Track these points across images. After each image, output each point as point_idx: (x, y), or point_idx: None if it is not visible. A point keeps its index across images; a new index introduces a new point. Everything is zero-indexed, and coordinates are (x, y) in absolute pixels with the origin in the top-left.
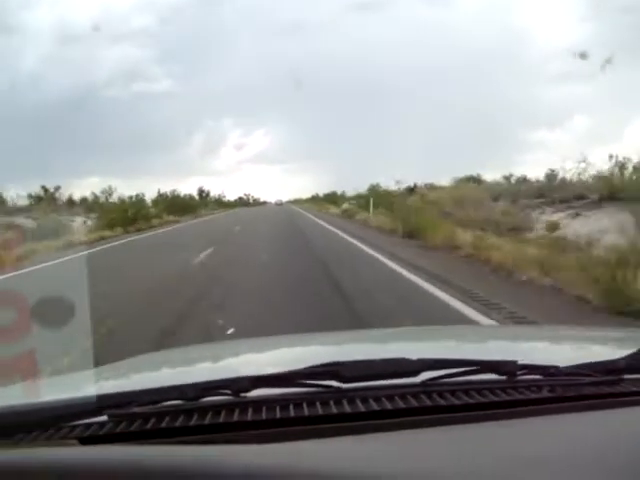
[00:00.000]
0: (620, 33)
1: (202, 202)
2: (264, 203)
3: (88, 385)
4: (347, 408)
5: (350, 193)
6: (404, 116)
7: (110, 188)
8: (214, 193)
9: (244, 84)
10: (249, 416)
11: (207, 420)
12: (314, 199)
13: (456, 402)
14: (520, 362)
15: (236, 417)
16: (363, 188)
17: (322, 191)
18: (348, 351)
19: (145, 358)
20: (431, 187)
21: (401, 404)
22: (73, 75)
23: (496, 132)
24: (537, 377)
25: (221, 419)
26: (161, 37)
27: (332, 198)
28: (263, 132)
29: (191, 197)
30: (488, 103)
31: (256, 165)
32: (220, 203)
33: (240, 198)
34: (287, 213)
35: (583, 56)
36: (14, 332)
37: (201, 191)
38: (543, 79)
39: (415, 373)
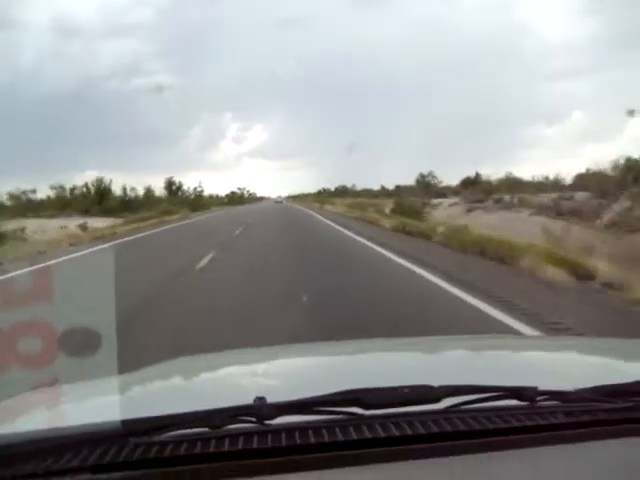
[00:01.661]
0: (621, 28)
1: (145, 201)
2: (261, 199)
3: (111, 403)
4: (367, 434)
5: (360, 187)
6: (404, 111)
7: None
8: (189, 186)
9: (243, 78)
10: (269, 443)
11: (226, 447)
12: (321, 195)
13: (477, 427)
14: (540, 388)
15: (255, 444)
16: (376, 183)
17: (321, 186)
18: (365, 366)
19: (166, 367)
20: None
21: (421, 430)
22: (72, 69)
23: (495, 129)
24: (557, 403)
25: (240, 446)
26: (160, 31)
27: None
28: (262, 127)
29: (147, 192)
30: (488, 99)
31: (254, 160)
32: (189, 201)
33: (233, 193)
34: (311, 233)
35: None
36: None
37: (170, 183)
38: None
39: (437, 400)
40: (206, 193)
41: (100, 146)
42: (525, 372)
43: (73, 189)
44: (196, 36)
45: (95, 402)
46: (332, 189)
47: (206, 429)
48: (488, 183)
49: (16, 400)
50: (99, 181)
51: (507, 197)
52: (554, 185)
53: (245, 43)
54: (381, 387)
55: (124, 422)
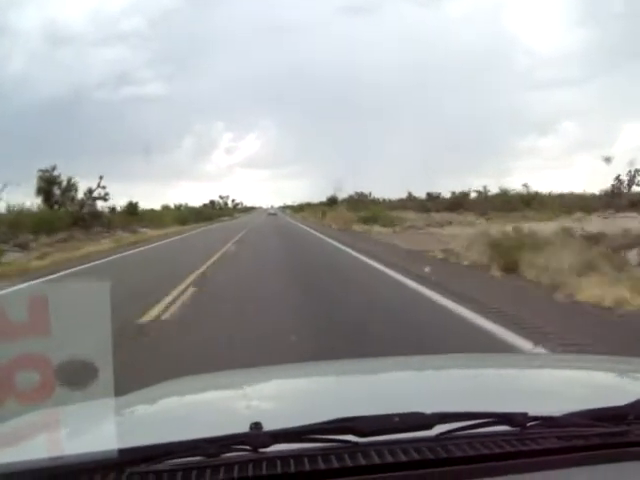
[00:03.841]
0: (611, 39)
1: None
2: (250, 210)
3: (108, 429)
4: (362, 461)
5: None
6: (397, 121)
7: None
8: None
9: (235, 87)
10: (264, 471)
11: (221, 476)
12: (337, 206)
13: (470, 453)
14: (531, 413)
15: (250, 472)
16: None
17: (318, 195)
18: (359, 389)
19: (162, 389)
20: None
21: (416, 456)
22: (62, 77)
23: (487, 139)
24: (548, 428)
25: (235, 474)
26: (151, 40)
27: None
28: (255, 136)
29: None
30: (479, 110)
31: (245, 168)
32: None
33: (212, 202)
34: None
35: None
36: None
37: (49, 182)
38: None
39: (430, 426)
40: (184, 202)
41: (90, 155)
42: (516, 394)
43: None
44: (189, 44)
45: (92, 428)
46: (339, 198)
47: (202, 458)
48: None
49: (14, 423)
50: None
51: None
52: None
53: (238, 52)
54: (375, 415)
55: (121, 451)
